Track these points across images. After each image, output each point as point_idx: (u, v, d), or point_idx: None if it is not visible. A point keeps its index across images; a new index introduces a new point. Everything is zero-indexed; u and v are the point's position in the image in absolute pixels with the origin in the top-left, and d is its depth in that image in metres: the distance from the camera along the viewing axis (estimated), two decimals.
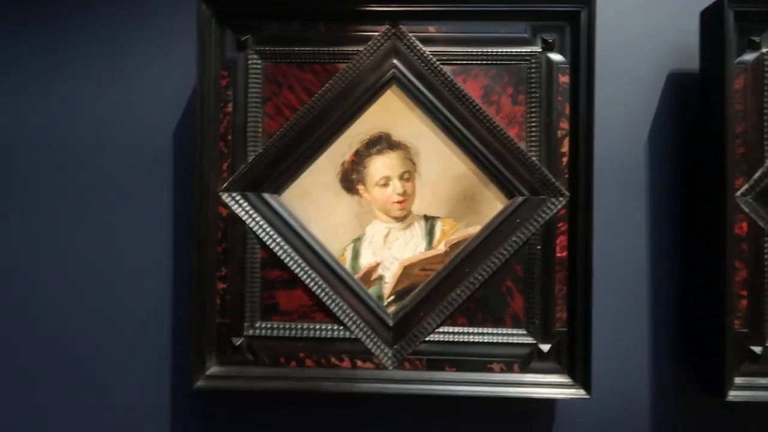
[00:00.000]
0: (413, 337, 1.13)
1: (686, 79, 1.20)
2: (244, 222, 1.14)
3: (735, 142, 1.08)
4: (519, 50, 1.14)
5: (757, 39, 1.10)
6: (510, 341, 1.12)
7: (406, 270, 1.15)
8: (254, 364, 1.13)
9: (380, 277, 1.15)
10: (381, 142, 1.15)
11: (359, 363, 1.13)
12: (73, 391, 1.22)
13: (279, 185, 1.15)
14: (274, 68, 1.15)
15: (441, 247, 1.15)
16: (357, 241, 1.15)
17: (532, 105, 1.13)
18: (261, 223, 1.14)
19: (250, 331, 1.14)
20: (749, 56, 1.11)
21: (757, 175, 1.09)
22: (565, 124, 1.13)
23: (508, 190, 1.14)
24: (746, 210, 1.08)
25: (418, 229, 1.15)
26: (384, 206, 1.15)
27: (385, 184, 1.15)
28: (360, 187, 1.15)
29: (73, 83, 1.24)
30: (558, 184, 1.12)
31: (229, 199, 1.14)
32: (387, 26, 1.14)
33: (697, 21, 1.14)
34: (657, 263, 1.19)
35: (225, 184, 1.14)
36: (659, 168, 1.20)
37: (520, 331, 1.13)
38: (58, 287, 1.22)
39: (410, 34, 1.13)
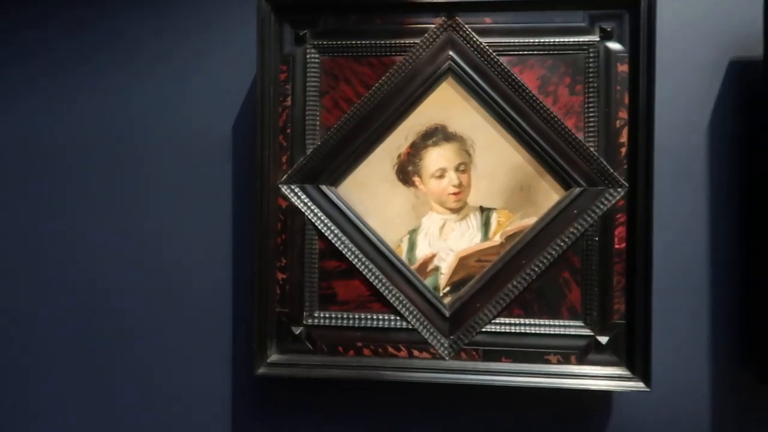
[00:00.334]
0: (469, 327, 1.14)
1: (749, 67, 1.17)
2: (302, 213, 1.16)
3: None
4: (576, 40, 1.13)
5: None
6: (567, 333, 1.12)
7: (462, 261, 1.15)
8: (313, 352, 1.16)
9: (436, 268, 1.16)
10: (437, 134, 1.16)
11: (416, 353, 1.14)
12: (140, 379, 1.27)
13: (336, 177, 1.17)
14: (331, 62, 1.16)
15: (497, 239, 1.15)
16: (413, 232, 1.16)
17: (590, 95, 1.12)
18: (319, 214, 1.16)
19: (309, 321, 1.16)
20: None
21: None
22: (624, 114, 1.11)
23: (564, 181, 1.13)
24: None
25: (474, 220, 1.15)
26: (440, 198, 1.16)
27: (441, 176, 1.16)
28: (416, 179, 1.16)
29: (135, 80, 1.28)
30: (616, 175, 1.11)
31: (288, 191, 1.16)
32: (443, 18, 1.14)
33: (761, 7, 1.11)
34: (717, 255, 1.17)
35: (284, 177, 1.16)
36: (720, 158, 1.18)
37: (578, 323, 1.12)
38: (123, 278, 1.27)
39: (466, 26, 1.13)
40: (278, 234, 1.16)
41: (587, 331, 1.12)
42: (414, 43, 1.15)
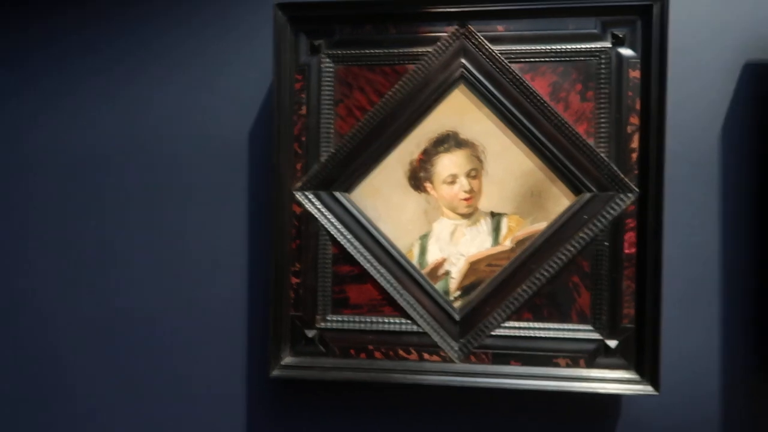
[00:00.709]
0: (479, 331, 1.15)
1: (765, 69, 1.16)
2: (316, 219, 1.19)
3: None
4: (588, 46, 1.13)
5: None
6: (576, 336, 1.13)
7: (473, 266, 1.17)
8: (326, 355, 1.19)
9: (447, 273, 1.18)
10: (448, 141, 1.18)
11: (426, 356, 1.16)
12: (156, 381, 1.31)
13: (350, 184, 1.20)
14: (346, 71, 1.19)
15: (507, 244, 1.16)
16: (424, 237, 1.18)
17: (602, 101, 1.13)
18: (332, 220, 1.19)
19: (322, 324, 1.19)
20: None
21: None
22: (635, 120, 1.12)
23: (575, 187, 1.14)
24: None
25: (485, 225, 1.17)
26: (451, 203, 1.18)
27: (453, 182, 1.18)
28: (427, 185, 1.18)
29: (154, 88, 1.31)
30: (627, 180, 1.11)
31: (303, 197, 1.19)
32: (456, 26, 1.15)
33: None
34: (730, 260, 1.17)
35: (299, 184, 1.19)
36: (734, 163, 1.17)
37: (587, 327, 1.13)
38: (140, 284, 1.31)
39: (478, 34, 1.15)
40: (293, 239, 1.19)
41: (596, 335, 1.13)
42: (427, 51, 1.16)
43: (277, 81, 1.17)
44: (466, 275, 1.17)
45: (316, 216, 1.19)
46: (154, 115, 1.31)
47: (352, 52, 1.18)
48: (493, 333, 1.15)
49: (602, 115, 1.13)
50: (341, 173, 1.19)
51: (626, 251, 1.12)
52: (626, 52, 1.13)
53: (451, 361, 1.16)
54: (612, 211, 1.12)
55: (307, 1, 1.18)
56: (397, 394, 1.23)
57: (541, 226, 1.15)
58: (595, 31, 1.13)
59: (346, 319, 1.19)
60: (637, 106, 1.12)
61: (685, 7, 1.18)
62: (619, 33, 1.13)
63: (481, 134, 1.17)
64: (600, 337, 1.13)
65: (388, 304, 1.18)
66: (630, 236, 1.12)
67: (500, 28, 1.15)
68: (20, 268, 1.35)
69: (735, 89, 1.18)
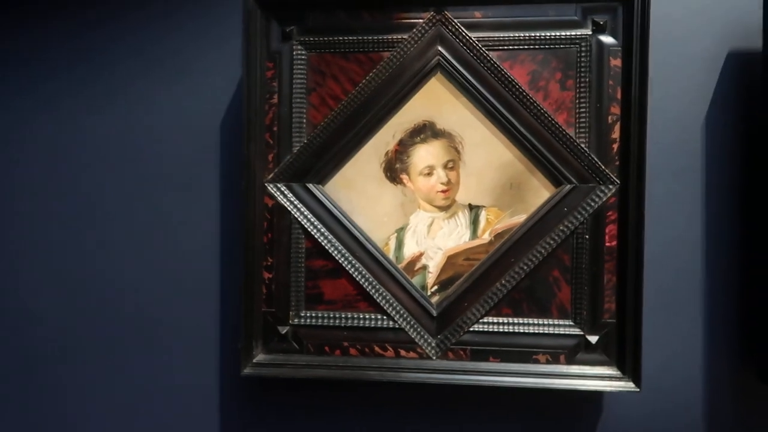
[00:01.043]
0: (457, 327, 1.12)
1: (748, 59, 1.14)
2: (289, 212, 1.15)
3: None
4: (568, 33, 1.10)
5: None
6: (556, 332, 1.10)
7: (450, 260, 1.14)
8: (299, 352, 1.15)
9: (424, 267, 1.14)
10: (425, 131, 1.14)
11: (403, 352, 1.13)
12: (124, 377, 1.27)
13: (323, 175, 1.16)
14: (318, 58, 1.15)
15: (486, 237, 1.13)
16: (401, 230, 1.15)
17: (582, 90, 1.10)
18: (305, 213, 1.15)
19: (296, 320, 1.15)
20: None
21: None
22: (616, 109, 1.09)
23: (555, 178, 1.11)
24: None
25: (463, 218, 1.14)
26: (428, 195, 1.14)
27: (429, 173, 1.14)
28: (404, 177, 1.15)
29: (119, 76, 1.27)
30: (608, 171, 1.08)
31: (275, 189, 1.15)
32: (432, 13, 1.12)
33: None
34: (712, 253, 1.15)
35: (270, 175, 1.15)
36: (717, 153, 1.15)
37: (567, 322, 1.10)
38: (110, 278, 1.27)
39: (455, 20, 1.11)
40: (264, 233, 1.15)
41: (577, 331, 1.10)
42: (402, 38, 1.13)
43: (247, 69, 1.13)
44: (443, 269, 1.14)
45: (289, 209, 1.15)
46: (123, 106, 1.27)
47: (325, 39, 1.14)
48: (471, 329, 1.12)
49: (582, 105, 1.10)
50: (314, 164, 1.15)
51: (607, 244, 1.09)
52: (607, 39, 1.10)
53: (429, 358, 1.12)
54: (593, 204, 1.09)
55: None
56: (373, 391, 1.20)
57: (520, 218, 1.12)
58: (575, 17, 1.10)
59: (320, 315, 1.15)
60: (618, 96, 1.09)
61: None
62: (600, 20, 1.10)
63: (459, 124, 1.14)
64: (581, 333, 1.10)
65: (364, 300, 1.15)
66: (611, 229, 1.09)
67: (478, 15, 1.12)
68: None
69: (718, 79, 1.15)
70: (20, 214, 1.30)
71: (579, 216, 1.10)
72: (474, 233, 1.13)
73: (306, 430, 1.22)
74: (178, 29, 1.26)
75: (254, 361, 1.14)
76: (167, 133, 1.25)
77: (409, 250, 1.15)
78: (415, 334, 1.13)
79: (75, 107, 1.28)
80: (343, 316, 1.15)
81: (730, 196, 1.14)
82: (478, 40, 1.11)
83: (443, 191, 1.14)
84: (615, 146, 1.09)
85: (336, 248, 1.14)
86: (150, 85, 1.26)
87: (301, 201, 1.15)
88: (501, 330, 1.12)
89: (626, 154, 1.08)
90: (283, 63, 1.15)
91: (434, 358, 1.12)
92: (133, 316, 1.26)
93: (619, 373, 1.08)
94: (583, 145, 1.09)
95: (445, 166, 1.14)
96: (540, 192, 1.12)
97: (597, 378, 1.08)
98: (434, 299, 1.13)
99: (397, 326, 1.13)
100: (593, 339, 1.09)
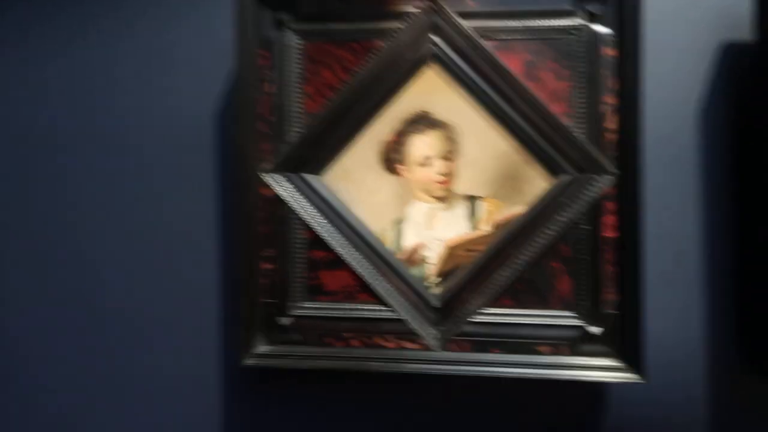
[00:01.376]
0: (459, 318, 1.12)
1: (741, 50, 1.15)
2: (287, 203, 1.14)
3: None
4: (562, 23, 1.11)
5: None
6: (558, 323, 1.11)
7: (451, 251, 1.14)
8: (300, 343, 1.15)
9: (424, 258, 1.14)
10: (421, 121, 1.14)
11: (404, 344, 1.13)
12: (127, 371, 1.26)
13: (320, 166, 1.15)
14: (313, 47, 1.14)
15: (486, 228, 1.13)
16: (399, 221, 1.15)
17: (577, 79, 1.10)
18: (303, 204, 1.14)
19: (296, 311, 1.15)
20: None
21: None
22: (611, 99, 1.10)
23: (552, 169, 1.11)
24: None
25: (461, 209, 1.14)
26: (425, 186, 1.14)
27: (427, 164, 1.14)
28: (401, 167, 1.14)
29: (112, 64, 1.25)
30: (605, 162, 1.09)
31: (272, 180, 1.14)
32: (426, 1, 1.11)
33: None
34: (712, 243, 1.16)
35: (267, 166, 1.14)
36: (712, 143, 1.16)
37: (569, 313, 1.11)
38: (108, 269, 1.26)
39: (449, 9, 1.11)
40: (262, 224, 1.14)
41: (579, 322, 1.11)
42: (396, 27, 1.12)
43: (240, 57, 1.11)
44: (444, 261, 1.14)
45: (287, 200, 1.14)
46: (115, 96, 1.26)
47: (318, 26, 1.14)
48: (472, 320, 1.12)
49: (578, 95, 1.11)
50: (311, 155, 1.14)
51: (606, 234, 1.10)
52: (601, 29, 1.10)
53: (431, 349, 1.13)
54: (590, 194, 1.10)
55: None
56: (375, 383, 1.20)
57: (519, 209, 1.13)
58: (569, 7, 1.11)
59: (321, 306, 1.15)
60: (613, 85, 1.10)
61: None
62: (594, 10, 1.10)
63: (455, 114, 1.14)
64: (583, 324, 1.11)
65: (364, 291, 1.14)
66: (610, 219, 1.10)
67: (471, 3, 1.12)
68: None
69: (711, 68, 1.17)
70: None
71: (577, 206, 1.10)
72: (473, 224, 1.14)
73: (307, 420, 1.22)
74: (169, 15, 1.24)
75: (255, 352, 1.14)
76: (159, 123, 1.24)
77: (409, 241, 1.14)
78: (416, 325, 1.13)
79: (66, 100, 1.27)
80: (344, 307, 1.14)
81: (726, 184, 1.16)
82: (472, 29, 1.11)
83: (441, 182, 1.14)
84: (611, 136, 1.10)
85: (335, 239, 1.14)
86: (140, 73, 1.25)
87: (299, 191, 1.14)
88: (502, 321, 1.12)
89: (622, 144, 1.09)
90: (275, 51, 1.14)
91: (436, 349, 1.12)
92: (133, 309, 1.25)
93: (622, 363, 1.08)
94: (579, 135, 1.10)
95: (442, 157, 1.14)
96: (537, 183, 1.13)
97: (600, 369, 1.08)
98: (435, 290, 1.14)
99: (398, 318, 1.13)
100: (596, 330, 1.10)
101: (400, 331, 1.13)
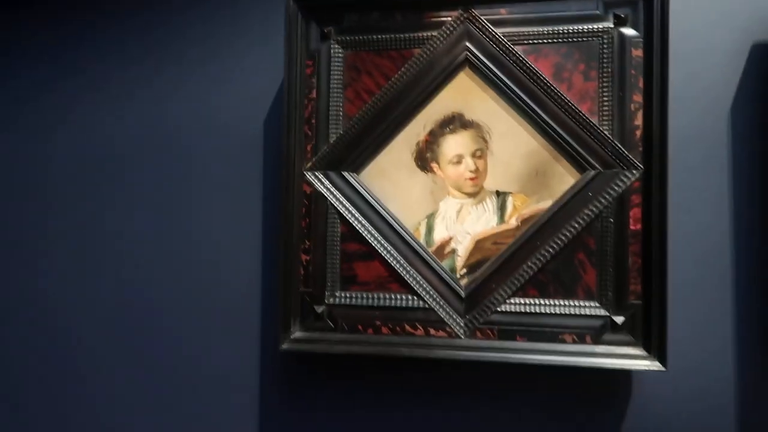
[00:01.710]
0: (485, 307, 1.16)
1: None
2: (326, 199, 1.22)
3: None
4: (590, 27, 1.16)
5: None
6: (582, 313, 1.13)
7: (478, 244, 1.18)
8: (334, 330, 1.21)
9: (453, 251, 1.19)
10: (454, 122, 1.21)
11: (432, 331, 1.18)
12: (174, 355, 1.36)
13: (358, 164, 1.23)
14: (354, 56, 1.23)
15: (512, 222, 1.17)
16: (431, 216, 1.20)
17: (604, 80, 1.15)
18: (341, 199, 1.22)
19: (331, 300, 1.22)
20: None
21: None
22: (638, 98, 1.13)
23: (579, 165, 1.15)
24: None
25: (490, 204, 1.19)
26: (457, 183, 1.20)
27: (458, 162, 1.20)
28: (434, 165, 1.21)
29: (175, 80, 1.39)
30: (631, 157, 1.12)
31: (313, 177, 1.23)
32: (460, 11, 1.19)
33: None
34: (738, 237, 1.16)
35: (309, 164, 1.23)
36: (742, 143, 1.17)
37: (593, 304, 1.13)
38: (162, 260, 1.38)
39: (482, 17, 1.18)
40: (303, 218, 1.23)
41: (603, 312, 1.12)
42: (432, 35, 1.20)
43: (288, 66, 1.22)
44: (471, 253, 1.19)
45: (326, 195, 1.22)
46: (176, 105, 1.39)
47: (361, 37, 1.23)
48: (498, 309, 1.16)
49: (605, 94, 1.15)
50: (350, 154, 1.23)
51: (632, 228, 1.12)
52: (628, 31, 1.14)
53: (458, 337, 1.17)
54: (617, 188, 1.13)
55: None
56: (403, 368, 1.24)
57: (546, 204, 1.16)
58: (597, 12, 1.16)
59: (354, 295, 1.21)
60: (641, 84, 1.13)
61: None
62: (621, 13, 1.15)
63: (486, 115, 1.20)
64: (606, 314, 1.12)
65: (395, 281, 1.20)
66: (635, 212, 1.12)
67: (503, 12, 1.18)
68: (39, 262, 1.43)
69: (743, 70, 1.18)
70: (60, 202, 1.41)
71: (603, 200, 1.13)
72: (501, 218, 1.18)
73: (339, 402, 1.28)
74: (223, 31, 1.37)
75: (292, 337, 1.21)
76: (214, 129, 1.36)
77: (439, 235, 1.20)
78: (444, 314, 1.17)
79: (127, 110, 1.41)
80: (375, 296, 1.20)
81: (755, 183, 1.16)
82: (503, 36, 1.18)
83: (471, 179, 1.19)
84: (638, 133, 1.13)
85: (370, 233, 1.21)
86: (200, 85, 1.38)
87: (337, 188, 1.22)
88: (528, 311, 1.15)
89: (649, 140, 1.11)
90: (321, 60, 1.24)
91: (463, 337, 1.16)
92: (183, 299, 1.36)
93: (645, 352, 1.09)
94: (606, 133, 1.13)
95: (473, 155, 1.20)
96: (565, 178, 1.16)
97: (623, 357, 1.10)
98: (463, 281, 1.18)
99: (427, 306, 1.18)
100: (619, 319, 1.11)
101: (429, 319, 1.18)
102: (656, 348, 1.08)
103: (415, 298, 1.19)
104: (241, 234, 1.33)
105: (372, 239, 1.21)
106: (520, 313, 1.15)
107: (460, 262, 1.19)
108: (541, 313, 1.14)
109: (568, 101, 1.15)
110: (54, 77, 1.45)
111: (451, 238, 1.20)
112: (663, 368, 1.07)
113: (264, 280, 1.31)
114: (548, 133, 1.16)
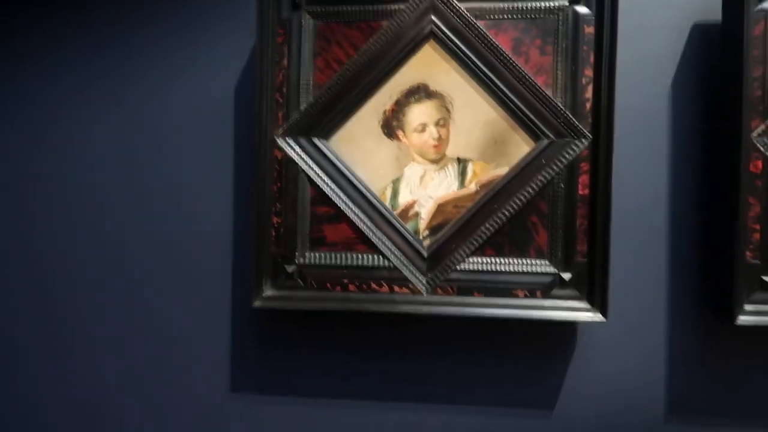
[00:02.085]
0: (445, 266, 1.25)
1: (710, 31, 1.26)
2: (296, 164, 1.28)
3: (753, 86, 1.14)
4: (548, 4, 1.23)
5: None
6: (534, 270, 1.23)
7: (440, 207, 1.26)
8: (304, 288, 1.29)
9: (417, 214, 1.27)
10: (419, 92, 1.27)
11: (396, 288, 1.26)
12: (147, 314, 1.42)
13: (328, 131, 1.29)
14: (324, 26, 1.28)
15: (472, 187, 1.26)
16: (396, 181, 1.28)
17: (559, 54, 1.22)
18: (311, 164, 1.28)
19: (301, 260, 1.29)
20: None
21: None
22: (589, 72, 1.21)
23: (534, 134, 1.24)
24: (761, 149, 1.14)
25: (452, 170, 1.26)
26: (421, 150, 1.27)
27: (423, 130, 1.27)
28: (399, 133, 1.28)
29: (144, 46, 1.42)
30: (581, 127, 1.21)
31: (284, 143, 1.28)
32: None
33: None
34: (676, 201, 1.27)
35: (280, 131, 1.28)
36: (681, 114, 1.27)
37: (544, 262, 1.23)
38: (134, 221, 1.42)
39: None
40: (274, 182, 1.29)
41: (552, 269, 1.23)
42: (399, 8, 1.26)
43: (260, 35, 1.26)
44: (434, 216, 1.27)
45: (296, 160, 1.28)
46: (144, 75, 1.42)
47: (331, 8, 1.27)
48: (458, 268, 1.25)
49: (559, 68, 1.23)
50: (320, 121, 1.28)
51: (580, 192, 1.22)
52: (582, 9, 1.22)
53: (420, 293, 1.25)
54: (567, 156, 1.22)
55: None
56: (370, 323, 1.33)
57: (503, 170, 1.25)
58: None
59: (322, 255, 1.28)
60: (592, 60, 1.22)
61: None
62: None
63: (449, 86, 1.27)
64: (555, 271, 1.22)
65: (362, 242, 1.28)
66: (584, 179, 1.22)
67: None
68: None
69: (684, 48, 1.28)
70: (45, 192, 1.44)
71: (555, 167, 1.22)
72: (462, 184, 1.26)
73: (309, 355, 1.36)
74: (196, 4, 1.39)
75: (264, 295, 1.28)
76: (185, 96, 1.40)
77: (404, 199, 1.28)
78: (408, 272, 1.26)
79: (97, 73, 1.43)
80: (343, 256, 1.28)
81: (692, 151, 1.27)
82: (467, 10, 1.24)
83: (435, 146, 1.27)
84: (588, 105, 1.22)
85: (338, 196, 1.28)
86: (168, 51, 1.41)
87: (308, 154, 1.28)
88: (485, 269, 1.24)
89: (597, 112, 1.20)
90: (292, 29, 1.28)
91: (425, 293, 1.25)
92: (156, 259, 1.41)
93: (588, 305, 1.20)
94: (559, 104, 1.22)
95: (436, 124, 1.27)
96: (521, 146, 1.25)
97: (569, 310, 1.21)
98: (426, 242, 1.26)
99: (392, 266, 1.26)
100: (566, 276, 1.22)
101: (393, 277, 1.26)
102: (598, 302, 1.19)
103: (381, 257, 1.27)
104: (214, 198, 1.38)
105: (340, 202, 1.28)
106: (478, 271, 1.24)
107: (423, 224, 1.27)
108: (496, 271, 1.24)
109: (525, 74, 1.23)
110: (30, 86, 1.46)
111: (414, 202, 1.27)
112: (604, 319, 1.18)
113: (236, 242, 1.37)
114: (506, 104, 1.24)
